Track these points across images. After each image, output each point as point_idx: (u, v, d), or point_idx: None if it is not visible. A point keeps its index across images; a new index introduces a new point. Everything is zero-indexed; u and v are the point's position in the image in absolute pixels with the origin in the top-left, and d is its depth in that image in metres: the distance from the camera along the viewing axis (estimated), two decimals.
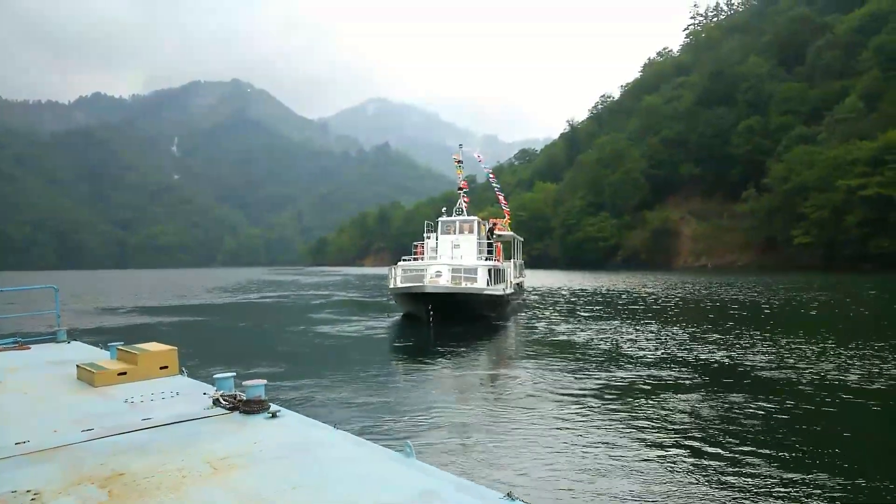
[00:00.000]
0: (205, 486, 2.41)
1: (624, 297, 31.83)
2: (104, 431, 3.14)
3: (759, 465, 6.06)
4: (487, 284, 20.58)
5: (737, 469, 5.96)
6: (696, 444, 6.78)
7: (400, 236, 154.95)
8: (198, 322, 23.87)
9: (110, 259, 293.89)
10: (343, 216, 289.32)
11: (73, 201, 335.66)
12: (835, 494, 5.30)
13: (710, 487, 5.50)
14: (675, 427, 7.46)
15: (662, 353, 13.07)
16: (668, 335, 16.09)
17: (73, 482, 2.46)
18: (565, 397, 9.06)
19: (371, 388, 9.96)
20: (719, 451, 6.52)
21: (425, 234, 24.80)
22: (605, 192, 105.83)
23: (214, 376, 3.90)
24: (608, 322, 19.60)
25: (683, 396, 9.04)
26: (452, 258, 22.64)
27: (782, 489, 5.43)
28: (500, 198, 33.62)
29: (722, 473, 5.84)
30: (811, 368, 10.98)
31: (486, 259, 22.51)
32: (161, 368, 4.52)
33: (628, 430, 7.31)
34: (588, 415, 8.06)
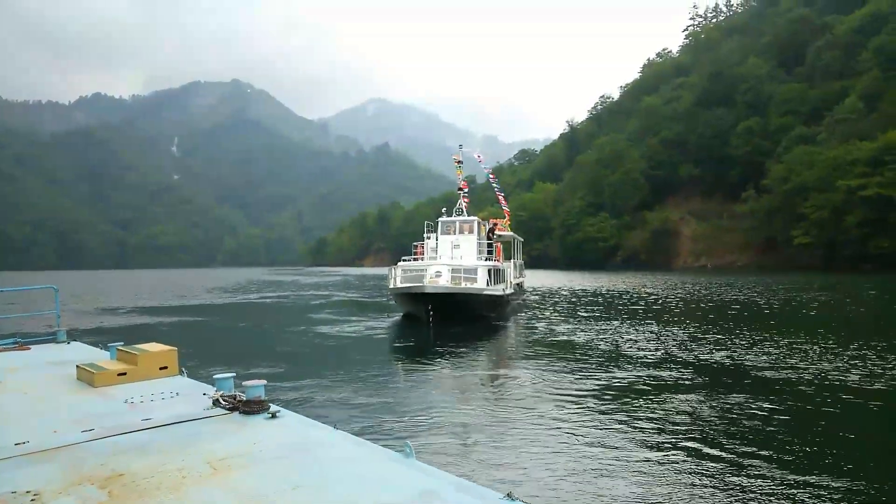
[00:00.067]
0: (205, 486, 2.41)
1: (624, 297, 31.84)
2: (104, 432, 3.13)
3: (759, 465, 6.06)
4: (487, 285, 20.59)
5: (737, 470, 5.96)
6: (696, 444, 6.78)
7: (400, 236, 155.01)
8: (198, 322, 23.87)
9: (110, 259, 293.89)
10: (343, 216, 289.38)
11: (73, 201, 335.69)
12: (835, 495, 5.30)
13: (711, 488, 5.50)
14: (676, 427, 7.46)
15: (662, 354, 13.07)
16: (668, 335, 16.09)
17: (73, 482, 2.46)
18: (565, 398, 9.06)
19: (371, 389, 9.96)
20: (720, 451, 6.52)
21: (425, 235, 24.81)
22: (604, 192, 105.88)
23: (214, 377, 3.90)
24: (608, 322, 19.60)
25: (684, 397, 9.04)
26: (452, 258, 22.64)
27: (783, 490, 5.43)
28: (501, 198, 33.64)
29: (722, 474, 5.84)
30: (811, 369, 10.98)
31: (486, 259, 22.52)
32: (161, 369, 4.52)
33: (628, 431, 7.31)
34: (588, 415, 8.06)
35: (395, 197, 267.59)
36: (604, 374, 10.82)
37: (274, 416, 3.36)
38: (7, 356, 5.82)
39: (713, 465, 6.11)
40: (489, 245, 23.47)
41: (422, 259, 23.58)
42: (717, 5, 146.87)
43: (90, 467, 2.63)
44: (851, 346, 13.34)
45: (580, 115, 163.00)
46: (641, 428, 7.44)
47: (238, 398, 3.57)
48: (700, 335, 16.06)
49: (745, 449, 6.55)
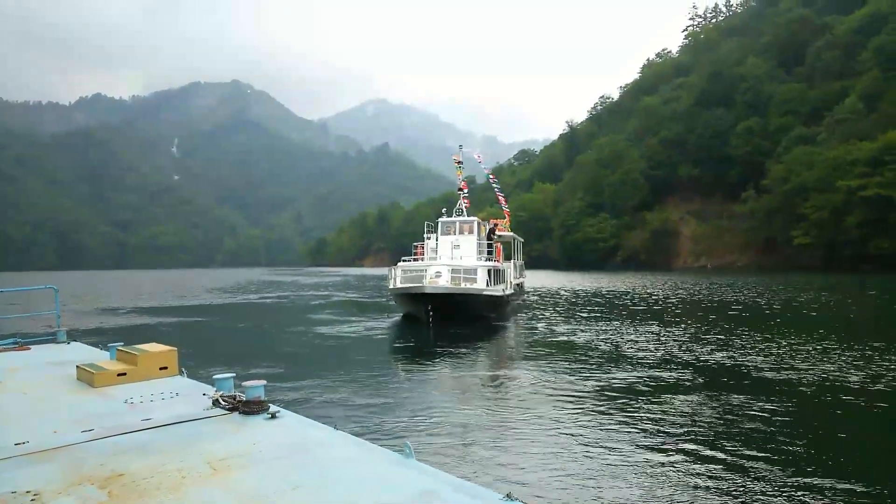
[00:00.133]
0: (204, 486, 2.41)
1: (624, 297, 31.84)
2: (104, 432, 3.14)
3: (760, 466, 6.06)
4: (487, 285, 20.59)
5: (738, 470, 5.96)
6: (696, 445, 6.78)
7: (399, 237, 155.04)
8: (197, 323, 23.87)
9: (110, 259, 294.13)
10: (343, 217, 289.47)
11: (74, 202, 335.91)
12: (836, 496, 5.30)
13: (711, 488, 5.50)
14: (676, 428, 7.46)
15: (663, 354, 13.07)
16: (668, 336, 16.10)
17: (73, 482, 2.46)
18: (565, 398, 9.06)
19: (370, 389, 9.96)
20: (720, 452, 6.52)
21: (425, 235, 24.82)
22: (604, 192, 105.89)
23: (214, 377, 3.91)
24: (608, 323, 19.60)
25: (684, 397, 9.04)
26: (452, 259, 22.64)
27: (784, 491, 5.43)
28: (501, 198, 33.64)
29: (723, 475, 5.85)
30: (812, 370, 10.99)
31: (487, 260, 22.53)
32: (161, 369, 4.53)
33: (628, 431, 7.31)
34: (588, 416, 8.06)
35: (395, 197, 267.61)
36: (604, 375, 10.82)
37: (274, 416, 3.37)
38: (7, 356, 5.82)
39: (714, 465, 6.11)
40: (489, 245, 23.47)
41: (422, 259, 23.59)
42: (716, 6, 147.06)
43: (90, 467, 2.64)
44: (852, 347, 13.35)
45: (580, 116, 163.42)
46: (641, 429, 7.44)
47: (238, 398, 3.57)
48: (700, 336, 16.07)
49: (745, 449, 6.56)
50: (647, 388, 9.73)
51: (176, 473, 2.54)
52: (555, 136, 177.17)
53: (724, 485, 5.57)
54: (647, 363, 12.00)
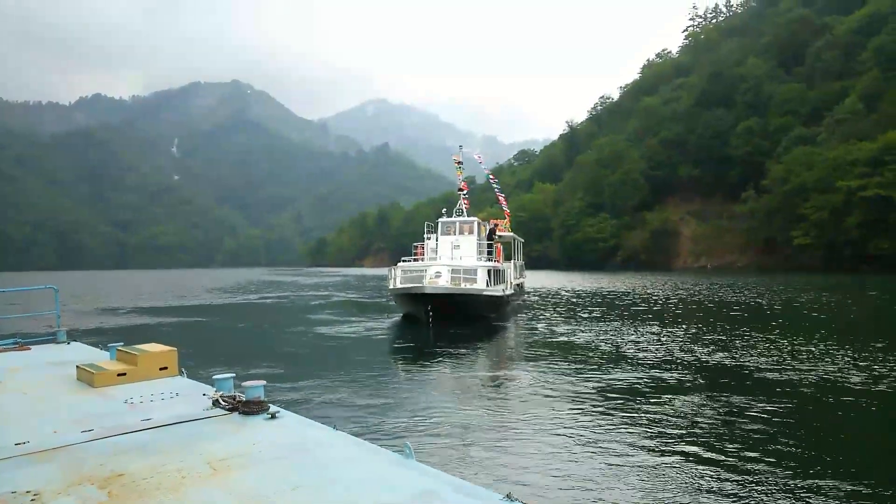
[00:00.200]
0: (204, 486, 2.41)
1: (624, 298, 31.84)
2: (104, 432, 3.14)
3: (760, 467, 6.06)
4: (487, 285, 20.59)
5: (738, 471, 5.96)
6: (697, 445, 6.78)
7: (399, 237, 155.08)
8: (197, 323, 23.87)
9: (110, 259, 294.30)
10: (342, 217, 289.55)
11: (74, 202, 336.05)
12: (837, 496, 5.30)
13: (712, 489, 5.50)
14: (676, 429, 7.46)
15: (663, 355, 13.07)
16: (668, 336, 16.09)
17: (73, 483, 2.46)
18: (565, 399, 9.06)
19: (370, 389, 9.96)
20: (721, 452, 6.52)
21: (425, 235, 24.83)
22: (604, 192, 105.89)
23: (214, 377, 3.91)
24: (608, 323, 19.60)
25: (684, 398, 9.04)
26: (452, 259, 22.65)
27: (785, 492, 5.43)
28: (501, 199, 33.63)
29: (723, 475, 5.85)
30: (813, 370, 10.98)
31: (487, 260, 22.53)
32: (161, 369, 4.53)
33: (629, 432, 7.31)
34: (588, 416, 8.06)
35: (395, 197, 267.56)
36: (604, 376, 10.82)
37: (273, 416, 3.37)
38: (7, 356, 5.82)
39: (714, 466, 6.11)
40: (489, 246, 23.48)
41: (422, 259, 23.60)
42: (716, 6, 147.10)
43: (90, 467, 2.64)
44: (853, 348, 13.35)
45: (580, 116, 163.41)
46: (642, 429, 7.43)
47: (238, 399, 3.58)
48: (700, 336, 16.07)
49: (746, 450, 6.55)
50: (647, 389, 9.73)
51: (176, 473, 2.54)
52: (555, 136, 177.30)
53: (724, 485, 5.57)
54: (648, 364, 12.00)
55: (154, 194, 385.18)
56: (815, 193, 68.32)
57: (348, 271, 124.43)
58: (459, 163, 26.95)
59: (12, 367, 5.14)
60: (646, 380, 10.42)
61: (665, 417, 7.94)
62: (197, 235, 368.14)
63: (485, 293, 20.33)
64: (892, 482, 5.62)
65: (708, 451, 6.56)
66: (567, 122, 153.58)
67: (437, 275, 20.72)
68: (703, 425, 7.57)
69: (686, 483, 5.64)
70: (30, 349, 6.28)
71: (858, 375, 10.34)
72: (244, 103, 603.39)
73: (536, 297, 32.93)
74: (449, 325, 18.65)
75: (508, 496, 2.18)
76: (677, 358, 12.61)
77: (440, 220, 24.31)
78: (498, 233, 25.98)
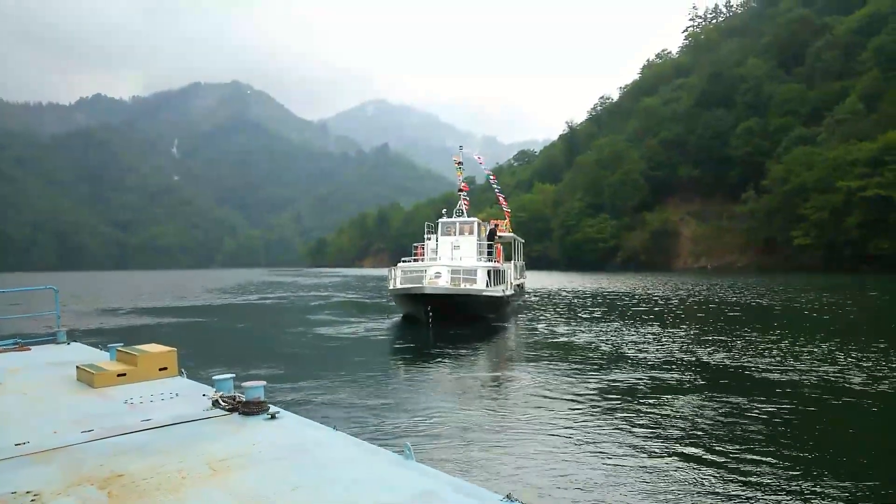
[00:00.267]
0: (204, 487, 2.41)
1: (624, 298, 31.85)
2: (104, 432, 3.14)
3: (761, 468, 6.06)
4: (487, 286, 20.60)
5: (739, 472, 5.96)
6: (697, 446, 6.78)
7: (399, 237, 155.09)
8: (197, 323, 23.88)
9: (110, 260, 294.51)
10: (342, 217, 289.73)
11: (74, 202, 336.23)
12: (838, 496, 5.30)
13: (712, 490, 5.50)
14: (677, 430, 7.46)
15: (663, 355, 13.07)
16: (669, 337, 16.10)
17: (73, 483, 2.46)
18: (565, 399, 9.06)
19: (370, 390, 9.96)
20: (721, 453, 6.52)
21: (425, 236, 24.84)
22: (604, 193, 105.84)
23: (214, 378, 3.91)
24: (608, 324, 19.60)
25: (685, 399, 9.04)
26: (452, 259, 22.65)
27: (785, 492, 5.43)
28: (501, 199, 33.64)
29: (724, 476, 5.84)
30: (814, 370, 10.98)
31: (487, 260, 22.53)
32: (160, 370, 4.53)
33: (629, 433, 7.31)
34: (588, 417, 8.06)
35: (395, 198, 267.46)
36: (604, 376, 10.82)
37: (273, 417, 3.37)
38: (7, 357, 5.82)
39: (715, 467, 6.11)
40: (489, 246, 23.48)
41: (422, 260, 23.61)
42: (716, 6, 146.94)
43: (90, 468, 2.64)
44: (853, 348, 13.34)
45: (580, 116, 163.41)
46: (642, 430, 7.43)
47: (237, 399, 3.58)
48: (701, 337, 16.07)
49: (747, 451, 6.55)
50: (647, 389, 9.73)
51: (176, 474, 2.55)
52: (555, 137, 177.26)
53: (724, 486, 5.57)
54: (648, 364, 12.00)
55: (154, 195, 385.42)
56: (815, 193, 68.30)
57: (348, 272, 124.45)
58: (460, 163, 26.96)
59: (12, 367, 5.15)
60: (646, 380, 10.42)
61: (665, 418, 7.94)
62: (197, 236, 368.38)
63: (484, 293, 20.33)
64: (893, 482, 5.62)
65: (708, 451, 6.56)
66: (567, 122, 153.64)
67: (437, 275, 20.73)
68: (704, 426, 7.57)
69: (686, 483, 5.64)
70: (30, 350, 6.28)
71: (859, 376, 10.33)
72: (244, 104, 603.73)
73: (536, 298, 32.93)
74: (449, 326, 18.65)
75: (508, 496, 2.18)
76: (677, 358, 12.61)
77: (440, 220, 24.32)
78: (498, 233, 25.97)
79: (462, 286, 20.24)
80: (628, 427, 7.50)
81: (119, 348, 4.93)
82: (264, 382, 3.60)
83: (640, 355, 13.05)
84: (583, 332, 17.44)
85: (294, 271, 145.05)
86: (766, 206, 76.96)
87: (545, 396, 9.24)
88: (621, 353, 13.48)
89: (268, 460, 2.70)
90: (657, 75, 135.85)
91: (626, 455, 6.44)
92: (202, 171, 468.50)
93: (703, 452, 6.51)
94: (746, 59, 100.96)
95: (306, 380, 10.74)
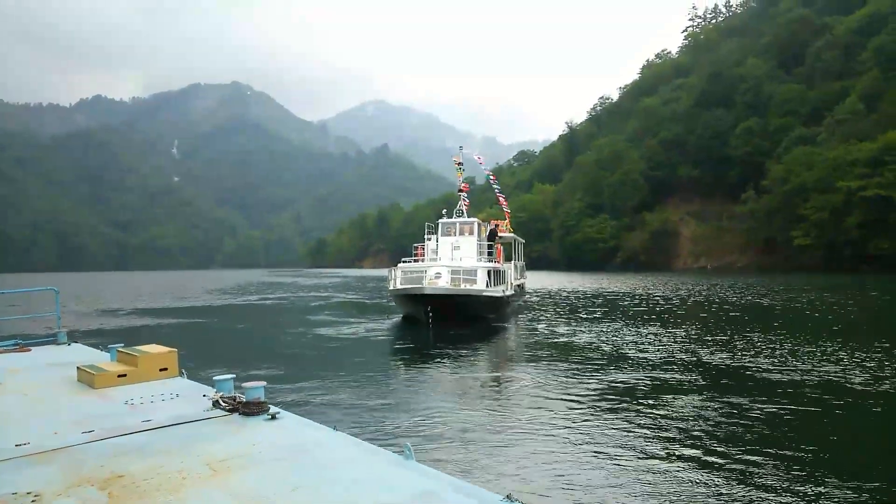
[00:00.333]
0: (204, 487, 2.42)
1: (624, 298, 31.84)
2: (104, 433, 3.14)
3: (762, 468, 6.06)
4: (487, 286, 20.60)
5: (740, 472, 5.96)
6: (698, 446, 6.78)
7: (399, 238, 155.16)
8: (197, 324, 23.87)
9: (110, 261, 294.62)
10: (342, 218, 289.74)
11: (74, 203, 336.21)
12: (839, 497, 5.30)
13: (713, 490, 5.50)
14: (677, 430, 7.46)
15: (664, 356, 13.07)
16: (669, 337, 16.10)
17: (73, 484, 2.47)
18: (565, 399, 9.06)
19: (370, 390, 9.96)
20: (722, 453, 6.52)
21: (425, 236, 24.84)
22: (604, 193, 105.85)
23: (214, 378, 3.91)
24: (609, 324, 19.60)
25: (685, 399, 9.03)
26: (452, 260, 22.65)
27: (786, 492, 5.43)
28: (501, 199, 33.63)
29: (725, 476, 5.84)
30: (815, 371, 10.98)
31: (487, 261, 22.53)
32: (161, 370, 4.53)
33: (629, 433, 7.31)
34: (588, 417, 8.06)
35: (395, 198, 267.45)
36: (604, 377, 10.82)
37: (273, 417, 3.37)
38: (8, 357, 5.83)
39: (715, 467, 6.11)
40: (490, 246, 23.48)
41: (422, 260, 23.61)
42: (716, 6, 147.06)
43: (90, 468, 2.64)
44: (854, 348, 13.34)
45: (579, 116, 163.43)
46: (642, 430, 7.43)
47: (238, 400, 3.58)
48: (701, 337, 16.07)
49: (748, 451, 6.55)
50: (647, 390, 9.73)
51: (176, 474, 2.55)
52: (554, 137, 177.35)
53: (725, 486, 5.57)
54: (648, 364, 12.00)
55: (154, 195, 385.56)
56: (815, 193, 68.30)
57: (348, 272, 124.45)
58: (460, 164, 26.96)
59: (13, 368, 5.15)
60: (646, 380, 10.42)
61: (665, 418, 7.94)
62: (197, 236, 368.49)
63: (484, 294, 20.33)
64: (894, 482, 5.61)
65: (709, 451, 6.56)
66: (566, 122, 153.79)
67: (437, 276, 20.73)
68: (704, 426, 7.57)
69: (686, 484, 5.64)
70: (30, 350, 6.28)
71: (860, 376, 10.33)
72: (244, 104, 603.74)
73: (537, 298, 32.93)
74: (449, 326, 18.65)
75: (508, 497, 2.19)
76: (678, 359, 12.61)
77: (440, 220, 24.32)
78: (499, 233, 25.95)
79: (462, 286, 20.24)
80: (628, 427, 7.50)
81: (119, 349, 4.94)
82: (264, 383, 3.61)
83: (641, 355, 13.05)
84: (583, 332, 17.44)
85: (294, 272, 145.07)
86: (766, 207, 76.96)
87: (545, 397, 9.24)
88: (621, 353, 13.48)
89: (268, 461, 2.70)
90: (657, 75, 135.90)
91: (627, 455, 6.44)
92: (202, 171, 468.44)
93: (704, 453, 6.51)
94: (746, 59, 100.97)
95: (306, 380, 10.74)
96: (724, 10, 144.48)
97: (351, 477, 2.50)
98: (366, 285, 56.95)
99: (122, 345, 5.19)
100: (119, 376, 4.35)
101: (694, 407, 8.49)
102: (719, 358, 12.56)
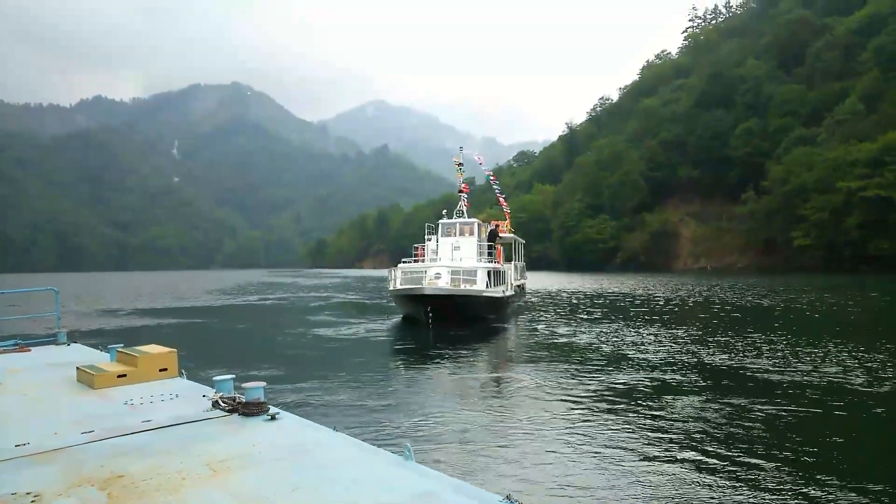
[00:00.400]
0: (204, 487, 2.41)
1: (624, 299, 31.84)
2: (104, 433, 3.14)
3: (762, 469, 6.06)
4: (487, 286, 20.60)
5: (740, 473, 5.95)
6: (698, 447, 6.78)
7: (399, 238, 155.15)
8: (197, 324, 23.87)
9: (110, 261, 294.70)
10: (342, 218, 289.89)
11: (74, 203, 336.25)
12: (840, 497, 5.30)
13: (713, 490, 5.50)
14: (678, 431, 7.46)
15: (664, 356, 13.07)
16: (669, 338, 16.09)
17: (73, 484, 2.47)
18: (565, 400, 9.06)
19: (370, 391, 9.96)
20: (722, 454, 6.51)
21: (426, 237, 24.86)
22: (603, 193, 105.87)
23: (214, 378, 3.91)
24: (609, 324, 19.60)
25: (686, 400, 9.03)
26: (452, 260, 22.65)
27: (786, 493, 5.43)
28: (501, 200, 33.65)
29: (724, 477, 5.84)
30: (815, 371, 10.98)
31: (487, 261, 22.53)
32: (160, 371, 4.53)
33: (629, 434, 7.31)
34: (589, 418, 8.06)
35: (395, 199, 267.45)
36: (604, 377, 10.82)
37: (273, 417, 3.37)
38: (7, 358, 5.83)
39: (715, 467, 6.10)
40: (490, 247, 23.48)
41: (422, 261, 23.61)
42: (716, 7, 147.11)
43: (90, 469, 2.64)
44: (855, 349, 13.34)
45: (579, 117, 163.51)
46: (642, 431, 7.43)
47: (237, 400, 3.58)
48: (702, 337, 16.07)
49: (748, 452, 6.55)
50: (648, 391, 9.72)
51: (176, 475, 2.55)
52: (554, 137, 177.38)
53: (725, 486, 5.57)
54: (649, 365, 12.00)
55: (154, 196, 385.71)
56: (815, 194, 68.31)
57: (348, 273, 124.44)
58: (460, 164, 26.96)
59: (13, 368, 5.15)
60: (646, 381, 10.42)
61: (665, 419, 7.94)
62: (197, 237, 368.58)
63: (484, 294, 20.33)
64: (894, 483, 5.61)
65: (709, 452, 6.55)
66: (566, 123, 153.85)
67: (437, 276, 20.73)
68: (704, 427, 7.57)
69: (687, 484, 5.64)
70: (30, 350, 6.28)
71: (861, 377, 10.33)
72: (244, 105, 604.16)
73: (536, 298, 32.93)
74: (449, 327, 18.65)
75: (508, 497, 2.18)
76: (678, 359, 12.61)
77: (440, 221, 24.33)
78: (499, 234, 25.94)
79: (462, 287, 20.24)
80: (628, 428, 7.50)
81: (119, 349, 4.94)
82: (264, 383, 3.60)
83: (641, 356, 13.05)
84: (583, 332, 17.44)
85: (294, 272, 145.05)
86: (766, 207, 76.97)
87: (545, 397, 9.23)
88: (621, 353, 13.48)
89: (268, 461, 2.70)
90: (657, 76, 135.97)
91: (627, 456, 6.44)
92: (202, 172, 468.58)
93: (704, 453, 6.51)
94: (746, 60, 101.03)
95: (306, 381, 10.74)
96: (723, 10, 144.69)
97: (351, 477, 2.50)
98: (366, 286, 56.94)
99: (122, 345, 5.18)
100: (119, 376, 4.34)
101: (694, 408, 8.49)
102: (719, 359, 12.56)
